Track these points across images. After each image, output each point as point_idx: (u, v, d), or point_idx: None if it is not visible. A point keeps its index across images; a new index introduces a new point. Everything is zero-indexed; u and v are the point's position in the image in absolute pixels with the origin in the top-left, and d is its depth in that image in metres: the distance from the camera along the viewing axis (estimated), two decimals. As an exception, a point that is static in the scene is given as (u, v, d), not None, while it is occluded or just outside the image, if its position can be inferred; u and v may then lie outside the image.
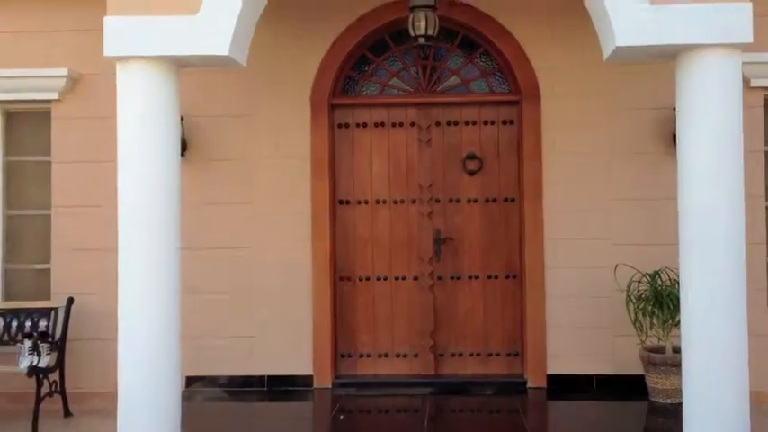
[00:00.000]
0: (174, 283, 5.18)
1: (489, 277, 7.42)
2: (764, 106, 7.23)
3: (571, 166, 7.22)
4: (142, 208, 5.09)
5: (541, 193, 7.22)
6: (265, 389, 7.26)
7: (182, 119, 7.00)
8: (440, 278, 7.44)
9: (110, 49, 5.10)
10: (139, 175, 5.11)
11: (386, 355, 7.48)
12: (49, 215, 7.47)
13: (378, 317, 7.49)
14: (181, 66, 5.32)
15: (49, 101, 7.43)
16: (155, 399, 5.05)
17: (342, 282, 7.50)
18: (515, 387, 7.23)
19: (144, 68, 5.13)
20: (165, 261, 5.11)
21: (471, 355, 7.45)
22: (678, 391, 6.31)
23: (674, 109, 6.95)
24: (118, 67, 5.17)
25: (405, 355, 7.48)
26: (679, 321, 6.48)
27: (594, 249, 7.20)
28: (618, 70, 7.12)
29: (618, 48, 5.00)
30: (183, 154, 7.17)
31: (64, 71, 7.26)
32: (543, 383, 7.20)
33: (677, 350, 6.50)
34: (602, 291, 7.17)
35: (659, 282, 6.76)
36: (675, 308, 6.58)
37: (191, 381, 7.25)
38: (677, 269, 6.59)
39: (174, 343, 5.17)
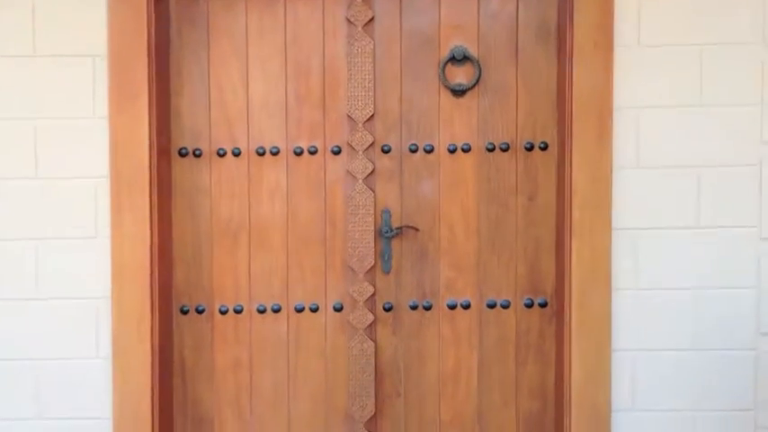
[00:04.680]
0: None
1: (491, 306, 3.63)
2: None
3: (676, 76, 3.38)
4: None
5: (608, 133, 3.37)
6: None
7: None
8: (388, 308, 3.63)
9: None
10: None
11: (278, 468, 3.63)
12: None
13: (260, 389, 3.66)
14: None
15: None
16: None
17: (184, 318, 3.63)
18: None
19: None
20: None
21: (452, 463, 3.64)
22: None
23: None
24: None
25: (317, 467, 3.63)
26: None
27: (723, 250, 3.42)
28: None
29: None
30: None
31: None
32: None
33: None
34: (738, 338, 3.43)
35: None
36: None
37: None
38: None
39: None
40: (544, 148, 3.54)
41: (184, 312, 3.60)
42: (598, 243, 3.37)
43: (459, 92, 3.51)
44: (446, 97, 3.54)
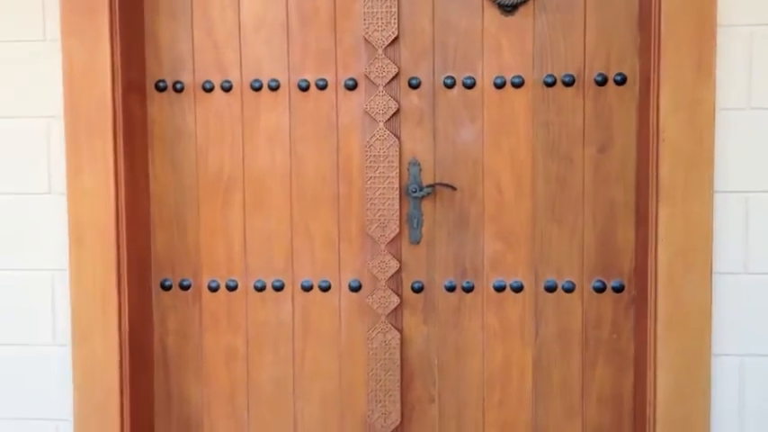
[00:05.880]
0: None
1: (551, 289, 2.80)
2: None
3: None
4: None
5: (710, 61, 2.49)
6: None
7: None
8: (418, 289, 2.85)
9: None
10: None
11: (280, 486, 2.91)
12: None
13: (258, 385, 2.93)
14: None
15: None
16: None
17: (166, 295, 2.93)
18: None
19: None
20: None
21: (499, 488, 2.85)
22: None
23: None
24: None
25: (327, 486, 2.90)
26: None
27: None
28: None
29: None
30: None
31: None
32: None
33: None
34: None
35: None
36: None
37: None
38: None
39: None
40: (621, 81, 2.67)
41: (166, 288, 2.91)
42: (695, 210, 2.51)
43: (508, 7, 2.68)
44: (492, 14, 2.71)
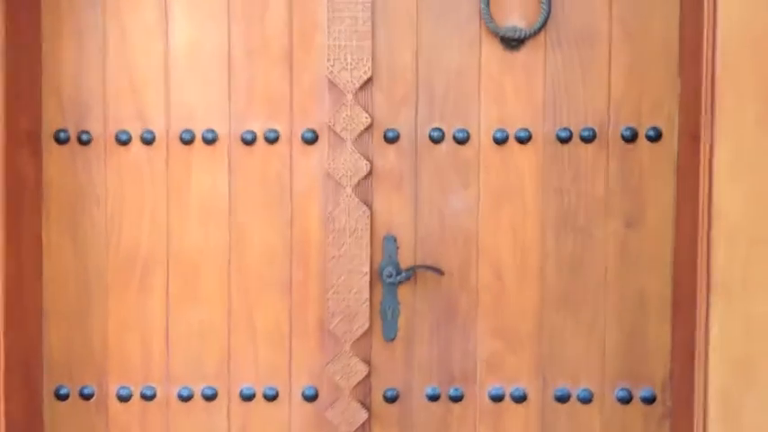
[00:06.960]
0: None
1: (562, 399, 2.29)
2: None
3: None
4: None
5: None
6: None
7: None
8: (392, 398, 2.33)
9: None
10: None
11: None
12: None
13: None
14: None
15: None
16: None
17: (61, 406, 2.36)
18: None
19: None
20: None
21: None
22: None
23: None
24: None
25: None
26: None
27: None
28: None
29: None
30: None
31: None
32: None
33: None
34: None
35: None
36: None
37: None
38: None
39: None
40: (655, 137, 2.21)
41: (62, 397, 2.36)
42: (759, 309, 2.00)
43: (513, 41, 2.20)
44: (492, 50, 2.24)
